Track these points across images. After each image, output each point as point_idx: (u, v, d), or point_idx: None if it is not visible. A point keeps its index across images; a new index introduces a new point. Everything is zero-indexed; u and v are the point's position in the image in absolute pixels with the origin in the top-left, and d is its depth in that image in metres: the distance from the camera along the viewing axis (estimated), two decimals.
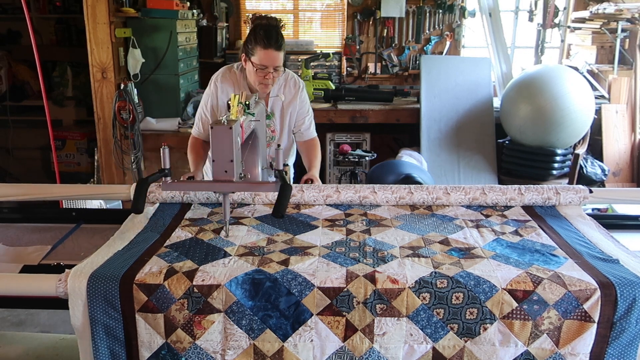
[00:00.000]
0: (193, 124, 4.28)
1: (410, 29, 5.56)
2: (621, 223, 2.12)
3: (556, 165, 4.57)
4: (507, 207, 1.97)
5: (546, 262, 1.54)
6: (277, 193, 1.59)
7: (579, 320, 1.42)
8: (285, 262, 1.52)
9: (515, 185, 2.00)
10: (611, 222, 2.05)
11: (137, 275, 1.46)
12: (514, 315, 1.42)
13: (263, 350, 1.46)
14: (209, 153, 2.60)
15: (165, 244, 1.67)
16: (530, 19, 5.55)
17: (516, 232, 1.76)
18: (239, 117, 1.74)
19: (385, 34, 5.56)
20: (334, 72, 5.45)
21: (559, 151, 4.54)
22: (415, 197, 1.99)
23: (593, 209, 3.32)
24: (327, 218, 1.89)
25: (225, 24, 5.53)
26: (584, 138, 4.68)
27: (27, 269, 1.68)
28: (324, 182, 4.92)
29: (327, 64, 5.41)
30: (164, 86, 4.44)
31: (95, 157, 4.44)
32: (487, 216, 1.90)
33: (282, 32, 2.34)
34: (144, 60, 4.26)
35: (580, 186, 1.99)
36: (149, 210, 1.93)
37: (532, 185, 2.00)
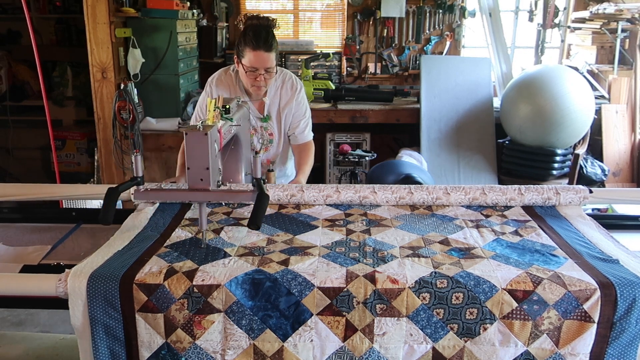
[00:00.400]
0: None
1: (410, 29, 5.56)
2: (621, 223, 2.12)
3: (556, 165, 4.58)
4: (507, 207, 1.97)
5: (546, 262, 1.54)
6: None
7: (579, 320, 1.42)
8: (285, 262, 1.52)
9: (515, 185, 2.00)
10: (611, 222, 2.05)
11: (137, 275, 1.46)
12: (514, 315, 1.42)
13: (263, 350, 1.46)
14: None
15: (165, 244, 1.66)
16: (530, 19, 5.55)
17: (516, 232, 1.76)
18: (216, 122, 1.66)
19: (385, 34, 5.56)
20: (334, 72, 5.45)
21: (559, 151, 4.54)
22: (415, 197, 1.99)
23: (593, 209, 3.32)
24: (327, 218, 1.89)
25: (225, 24, 5.53)
26: (584, 138, 4.68)
27: (27, 269, 1.68)
28: (324, 182, 4.92)
29: (327, 64, 5.42)
30: (164, 86, 4.44)
31: (95, 157, 4.44)
32: (487, 216, 1.90)
33: (275, 32, 2.27)
34: (144, 60, 4.26)
35: (580, 186, 1.99)
36: (149, 210, 1.93)
37: (532, 186, 1.99)
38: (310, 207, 1.98)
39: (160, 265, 1.50)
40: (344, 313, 1.43)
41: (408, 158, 4.49)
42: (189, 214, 1.92)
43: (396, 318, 1.43)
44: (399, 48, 5.62)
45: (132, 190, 1.81)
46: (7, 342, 2.50)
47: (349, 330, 1.44)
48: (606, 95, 4.98)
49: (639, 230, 2.08)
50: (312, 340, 1.45)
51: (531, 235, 1.74)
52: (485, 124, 4.97)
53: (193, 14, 4.73)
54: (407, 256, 1.57)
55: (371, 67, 5.63)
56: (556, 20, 5.44)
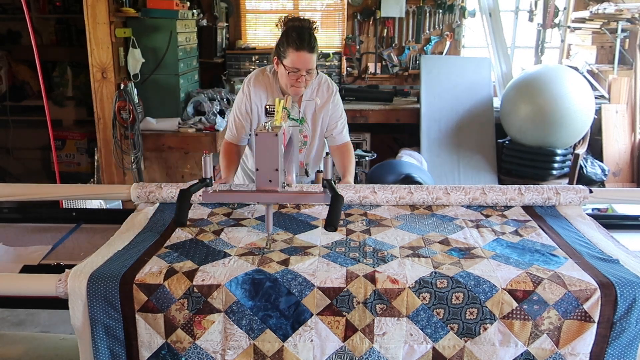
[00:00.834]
0: (193, 124, 4.32)
1: (410, 29, 5.56)
2: (621, 223, 2.12)
3: (556, 165, 4.58)
4: (507, 207, 1.97)
5: (546, 262, 1.54)
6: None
7: (579, 320, 1.42)
8: (285, 262, 1.52)
9: (515, 185, 1.99)
10: (611, 222, 2.04)
11: (137, 275, 1.46)
12: (514, 315, 1.42)
13: (263, 350, 1.46)
14: (242, 159, 2.52)
15: (165, 244, 1.66)
16: (530, 19, 5.56)
17: (516, 232, 1.76)
18: (283, 123, 1.64)
19: (385, 34, 5.56)
20: (334, 72, 5.45)
21: (559, 151, 4.54)
22: (415, 197, 1.99)
23: (593, 209, 3.32)
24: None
25: (225, 24, 5.53)
26: (584, 138, 4.68)
27: (27, 269, 1.67)
28: None
29: (327, 64, 5.42)
30: (164, 86, 4.44)
31: (95, 157, 4.44)
32: (487, 216, 1.90)
33: (315, 34, 2.27)
34: (144, 60, 4.26)
35: (580, 186, 1.99)
36: (149, 210, 1.93)
37: (532, 185, 1.99)
38: (311, 207, 1.98)
39: (160, 265, 1.50)
40: (344, 313, 1.43)
41: (408, 158, 4.49)
42: (189, 214, 1.91)
43: (396, 318, 1.43)
44: (399, 48, 5.62)
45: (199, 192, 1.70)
46: (7, 342, 2.50)
47: (349, 330, 1.44)
48: (606, 95, 4.98)
49: (639, 230, 2.08)
50: (312, 340, 1.45)
51: (531, 235, 1.74)
52: (485, 124, 4.97)
53: (193, 14, 4.73)
54: (407, 256, 1.57)
55: (371, 67, 5.63)
56: (556, 20, 5.44)
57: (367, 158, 4.56)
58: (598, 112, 4.78)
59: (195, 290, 1.43)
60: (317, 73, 2.35)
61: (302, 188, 2.01)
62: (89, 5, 3.96)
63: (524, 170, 4.68)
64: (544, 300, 1.41)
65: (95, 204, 3.42)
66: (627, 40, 4.97)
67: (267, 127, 1.55)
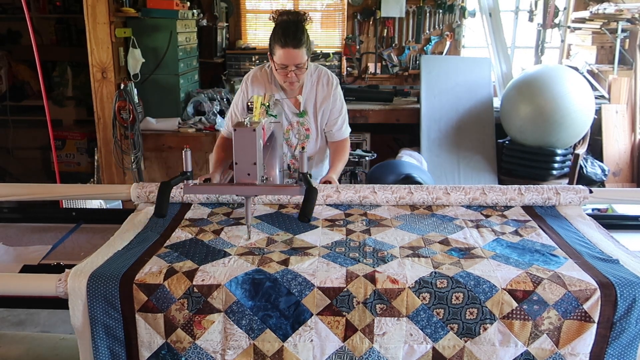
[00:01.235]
0: (193, 124, 4.32)
1: (410, 29, 5.56)
2: (621, 223, 2.12)
3: (556, 165, 4.58)
4: (507, 207, 1.97)
5: (546, 262, 1.54)
6: (301, 197, 1.58)
7: (579, 320, 1.42)
8: (285, 262, 1.52)
9: (515, 186, 2.00)
10: (611, 222, 2.05)
11: (137, 275, 1.46)
12: (514, 315, 1.42)
13: (263, 350, 1.46)
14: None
15: (165, 244, 1.66)
16: (530, 19, 5.55)
17: (516, 232, 1.76)
18: (262, 118, 1.71)
19: (385, 34, 5.56)
20: (334, 72, 5.43)
21: (559, 151, 4.54)
22: (415, 197, 1.99)
23: (593, 209, 3.32)
24: (327, 218, 1.89)
25: (225, 24, 5.53)
26: (584, 138, 4.68)
27: (27, 269, 1.68)
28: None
29: (327, 64, 5.42)
30: (164, 86, 4.44)
31: (95, 157, 4.44)
32: (487, 216, 1.90)
33: (306, 26, 2.25)
34: (144, 60, 4.26)
35: (580, 186, 1.99)
36: (149, 210, 1.93)
37: (532, 186, 1.99)
38: None
39: (160, 265, 1.50)
40: (344, 313, 1.43)
41: (408, 158, 4.49)
42: (188, 214, 1.92)
43: (396, 318, 1.43)
44: (399, 48, 5.62)
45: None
46: (7, 342, 2.50)
47: (349, 330, 1.44)
48: (606, 95, 4.98)
49: (639, 230, 2.08)
50: (312, 340, 1.45)
51: (531, 235, 1.74)
52: (485, 124, 4.97)
53: (193, 14, 4.73)
54: (407, 256, 1.57)
55: (371, 67, 5.63)
56: (556, 20, 5.44)
57: (367, 158, 4.56)
58: (598, 112, 4.77)
59: (195, 290, 1.43)
60: (308, 67, 2.35)
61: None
62: (89, 5, 3.96)
63: (524, 170, 4.68)
64: (544, 300, 1.41)
65: (95, 204, 3.42)
66: (627, 40, 4.97)
67: (245, 123, 1.62)
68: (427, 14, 5.51)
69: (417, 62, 5.45)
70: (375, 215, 1.90)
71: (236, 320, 1.44)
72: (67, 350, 2.40)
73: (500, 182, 4.77)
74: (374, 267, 1.50)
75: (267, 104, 1.83)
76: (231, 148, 1.81)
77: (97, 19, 3.99)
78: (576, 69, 4.98)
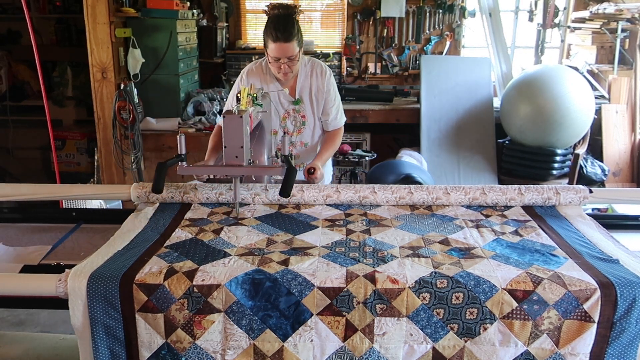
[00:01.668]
0: (193, 123, 4.32)
1: (410, 29, 5.56)
2: (621, 223, 2.12)
3: (556, 165, 4.58)
4: (507, 207, 1.97)
5: (546, 262, 1.54)
6: (278, 185, 1.77)
7: (579, 320, 1.42)
8: (285, 262, 1.52)
9: (515, 185, 2.00)
10: (611, 222, 2.05)
11: (137, 275, 1.46)
12: (514, 315, 1.42)
13: (263, 350, 1.46)
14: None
15: (165, 244, 1.66)
16: (530, 19, 5.55)
17: (516, 232, 1.76)
18: (248, 107, 1.90)
19: (385, 34, 5.56)
20: (334, 72, 5.42)
21: (559, 151, 4.54)
22: (415, 197, 1.99)
23: (593, 209, 3.32)
24: (327, 218, 1.89)
25: (225, 24, 5.53)
26: (584, 138, 4.68)
27: (27, 269, 1.68)
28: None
29: (327, 64, 5.40)
30: (164, 86, 4.44)
31: (95, 157, 4.44)
32: (487, 216, 1.90)
33: (297, 19, 2.35)
34: (144, 60, 4.26)
35: (580, 186, 1.99)
36: (149, 210, 1.93)
37: (532, 185, 2.00)
38: (310, 207, 1.98)
39: (160, 265, 1.50)
40: (344, 313, 1.43)
41: (408, 158, 4.49)
42: (188, 214, 1.92)
43: (396, 318, 1.43)
44: (399, 48, 5.62)
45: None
46: (7, 342, 2.50)
47: (349, 330, 1.44)
48: (606, 95, 4.98)
49: (639, 230, 2.08)
50: (312, 340, 1.45)
51: (531, 235, 1.74)
52: (485, 124, 4.96)
53: (193, 14, 4.73)
54: (407, 256, 1.57)
55: (371, 67, 5.63)
56: (556, 20, 5.44)
57: (367, 158, 4.56)
58: (598, 112, 4.77)
59: (195, 290, 1.43)
60: (302, 58, 2.47)
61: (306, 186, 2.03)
62: (89, 5, 3.96)
63: (524, 170, 4.67)
64: (544, 300, 1.41)
65: (95, 204, 3.42)
66: (627, 40, 4.97)
67: (234, 111, 1.82)
68: (427, 14, 5.50)
69: (417, 62, 5.45)
70: (375, 215, 1.90)
71: (236, 320, 1.44)
72: (67, 350, 2.40)
73: (500, 182, 4.77)
74: (374, 267, 1.50)
75: (255, 95, 1.99)
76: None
77: (97, 19, 3.99)
78: (576, 69, 4.98)
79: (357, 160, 4.54)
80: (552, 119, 4.37)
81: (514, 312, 1.42)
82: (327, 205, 2.00)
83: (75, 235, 2.01)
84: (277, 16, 2.33)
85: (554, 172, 4.59)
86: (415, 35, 5.56)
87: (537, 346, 1.43)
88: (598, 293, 1.40)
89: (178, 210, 1.95)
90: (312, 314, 1.43)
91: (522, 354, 1.44)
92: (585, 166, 4.65)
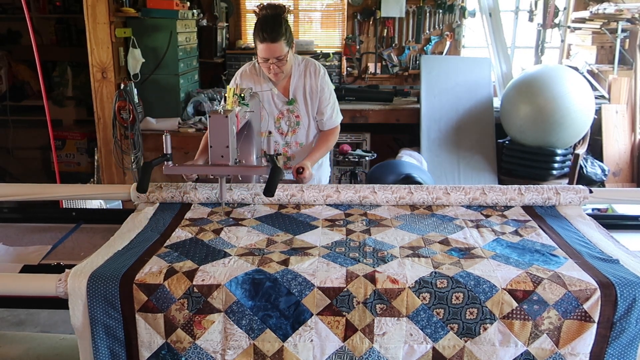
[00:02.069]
0: (193, 123, 4.32)
1: (410, 29, 5.56)
2: (621, 223, 2.12)
3: (556, 165, 4.57)
4: (507, 207, 1.97)
5: (546, 262, 1.54)
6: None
7: (579, 320, 1.42)
8: (285, 262, 1.52)
9: (515, 185, 2.00)
10: (611, 222, 2.05)
11: (137, 275, 1.46)
12: (514, 315, 1.42)
13: (263, 350, 1.46)
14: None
15: (165, 244, 1.66)
16: (530, 19, 5.55)
17: (516, 232, 1.76)
18: (235, 107, 1.88)
19: (385, 34, 5.56)
20: (334, 72, 5.45)
21: (559, 151, 4.54)
22: (415, 197, 1.99)
23: (593, 209, 3.32)
24: (327, 218, 1.89)
25: (225, 24, 5.53)
26: (584, 138, 4.68)
27: (27, 269, 1.68)
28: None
29: (327, 64, 5.41)
30: (164, 86, 4.44)
31: (95, 157, 4.44)
32: (487, 216, 1.90)
33: (286, 18, 2.34)
34: (144, 60, 4.26)
35: (580, 186, 1.99)
36: (149, 210, 1.93)
37: (532, 186, 2.00)
38: (310, 207, 1.98)
39: (160, 265, 1.50)
40: (344, 313, 1.43)
41: (408, 158, 4.49)
42: (188, 214, 1.92)
43: (396, 318, 1.43)
44: (399, 48, 5.62)
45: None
46: (7, 342, 2.50)
47: (349, 330, 1.44)
48: (606, 95, 4.98)
49: (639, 230, 2.08)
50: (312, 340, 1.45)
51: (531, 235, 1.74)
52: (485, 124, 4.96)
53: (193, 14, 4.73)
54: (407, 256, 1.57)
55: (371, 67, 5.63)
56: (556, 20, 5.44)
57: (367, 158, 4.55)
58: (598, 112, 4.77)
59: (195, 290, 1.43)
60: (295, 58, 2.46)
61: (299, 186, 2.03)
62: (89, 5, 3.96)
63: (524, 170, 4.67)
64: (544, 300, 1.41)
65: (95, 204, 3.42)
66: (627, 40, 4.96)
67: (220, 111, 1.80)
68: (427, 14, 5.50)
69: (417, 62, 5.45)
70: (375, 215, 1.90)
71: (236, 320, 1.44)
72: (67, 350, 2.40)
73: (500, 182, 4.77)
74: (374, 267, 1.50)
75: (242, 95, 1.98)
76: None
77: (97, 19, 3.99)
78: (576, 69, 4.98)
79: (357, 160, 4.54)
80: (552, 119, 4.37)
81: (514, 312, 1.42)
82: (327, 205, 2.00)
83: (75, 235, 2.01)
84: (265, 17, 2.33)
85: (554, 172, 4.59)
86: (415, 35, 5.56)
87: (537, 346, 1.43)
88: (598, 293, 1.40)
89: (178, 210, 1.95)
90: (312, 314, 1.43)
91: (522, 354, 1.44)
92: (585, 166, 4.65)
